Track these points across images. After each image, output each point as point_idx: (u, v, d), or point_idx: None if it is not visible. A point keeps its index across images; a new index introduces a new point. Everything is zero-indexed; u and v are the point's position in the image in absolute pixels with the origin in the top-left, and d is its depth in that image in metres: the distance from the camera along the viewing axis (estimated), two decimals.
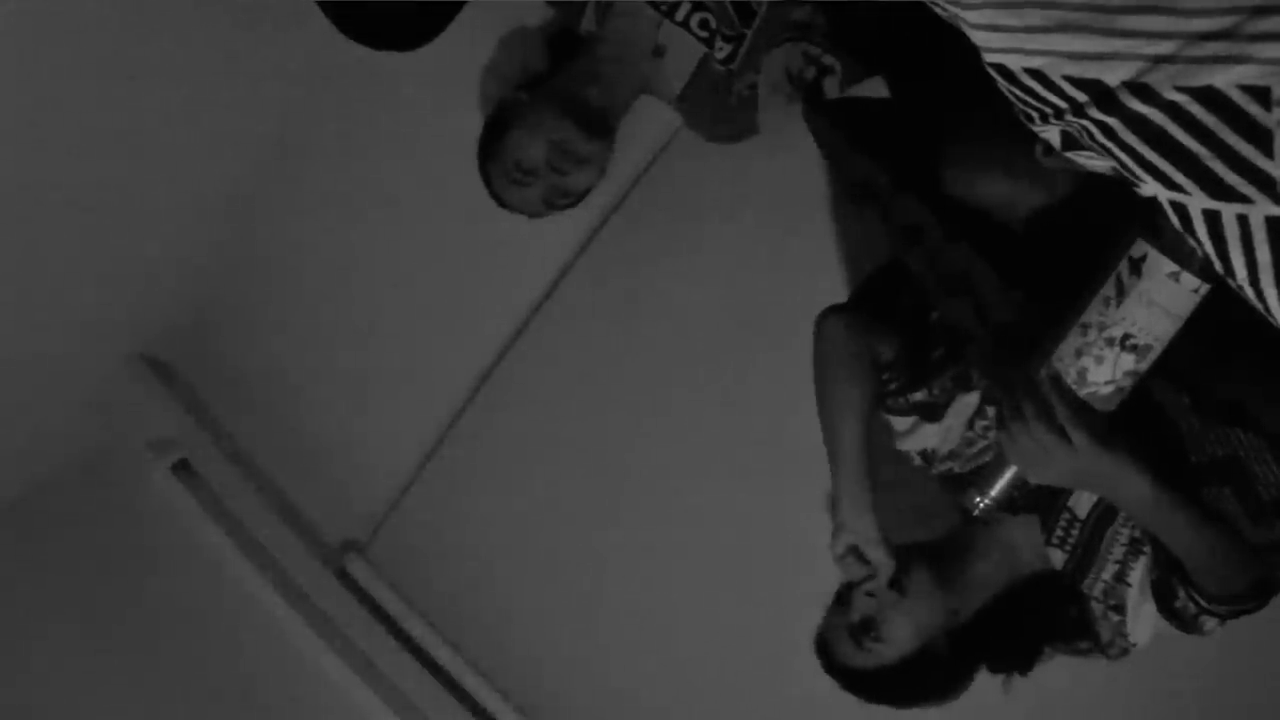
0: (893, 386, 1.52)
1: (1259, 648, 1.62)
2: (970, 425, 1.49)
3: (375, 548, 2.58)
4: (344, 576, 2.57)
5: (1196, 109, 0.81)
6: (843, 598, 1.55)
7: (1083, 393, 1.16)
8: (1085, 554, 1.46)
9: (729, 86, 1.75)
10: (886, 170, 1.45)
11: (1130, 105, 0.84)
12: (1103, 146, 0.89)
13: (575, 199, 1.86)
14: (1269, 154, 0.80)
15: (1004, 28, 0.86)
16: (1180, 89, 0.81)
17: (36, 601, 2.56)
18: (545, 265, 2.26)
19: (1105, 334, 1.13)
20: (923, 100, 1.48)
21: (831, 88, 1.58)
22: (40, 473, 2.62)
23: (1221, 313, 1.04)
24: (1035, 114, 0.93)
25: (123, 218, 2.27)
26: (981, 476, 1.29)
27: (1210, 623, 1.34)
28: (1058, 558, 1.48)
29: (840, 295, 1.95)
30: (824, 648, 1.57)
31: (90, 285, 2.36)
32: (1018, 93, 0.91)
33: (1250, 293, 0.90)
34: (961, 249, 1.39)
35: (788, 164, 1.92)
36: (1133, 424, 1.19)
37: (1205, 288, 1.08)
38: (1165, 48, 0.80)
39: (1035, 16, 0.84)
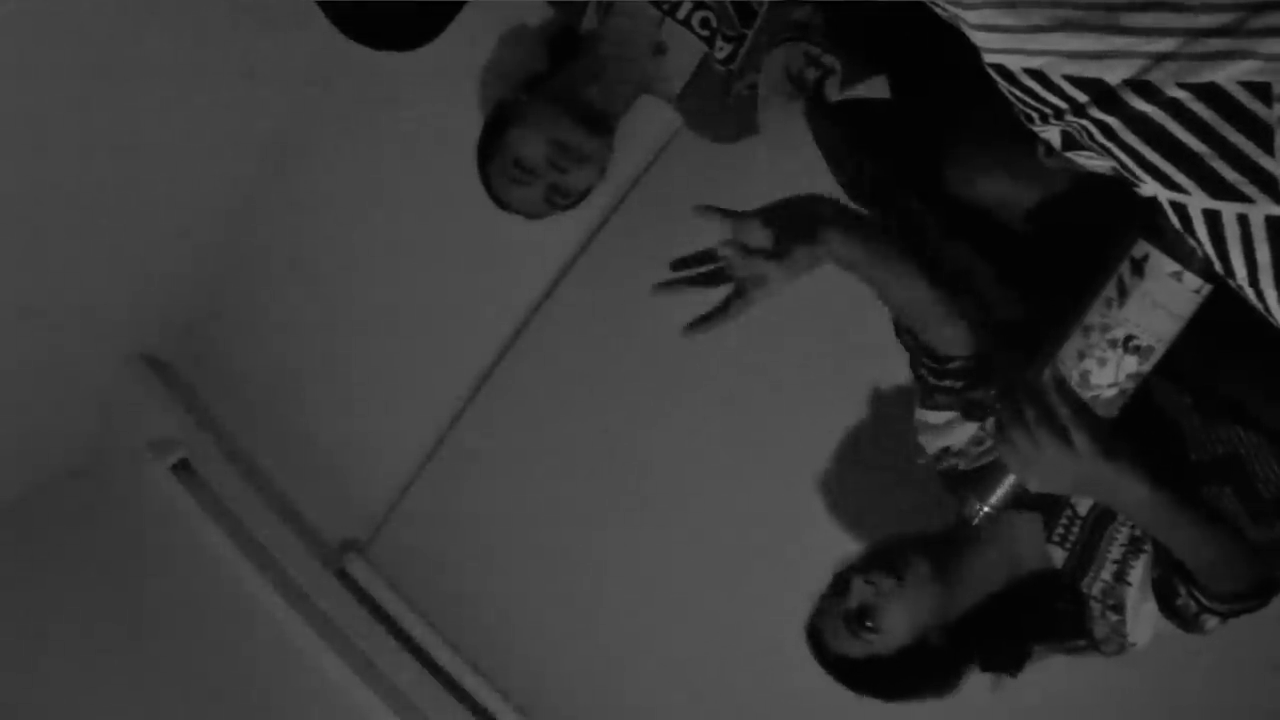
0: (959, 384, 1.49)
1: (1259, 646, 1.63)
2: (981, 424, 1.48)
3: (375, 548, 2.58)
4: (344, 576, 2.57)
5: (1198, 106, 0.81)
6: (839, 584, 1.53)
7: (1085, 396, 1.15)
8: (1085, 552, 1.45)
9: (729, 86, 1.75)
10: (887, 169, 1.44)
11: (1131, 104, 0.84)
12: (1103, 146, 0.89)
13: (575, 199, 1.86)
14: (1269, 151, 0.80)
15: (1004, 28, 0.86)
16: (1182, 86, 0.81)
17: (36, 601, 2.56)
18: (545, 265, 2.25)
19: (1108, 336, 1.12)
20: (923, 100, 1.48)
21: (832, 89, 1.58)
22: (40, 473, 2.62)
23: (1222, 312, 1.03)
24: (1035, 114, 0.92)
25: (123, 218, 2.27)
26: (980, 484, 1.27)
27: (1211, 621, 1.33)
28: (1058, 556, 1.47)
29: (840, 294, 1.96)
30: (816, 635, 1.56)
31: (90, 285, 2.36)
32: (1017, 93, 0.91)
33: (1250, 293, 0.90)
34: (962, 247, 1.38)
35: (788, 164, 1.92)
36: (1133, 423, 1.18)
37: (1207, 288, 1.08)
38: (1167, 44, 0.80)
39: (1036, 15, 0.84)
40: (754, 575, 2.10)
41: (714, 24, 1.73)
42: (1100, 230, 1.15)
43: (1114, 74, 0.83)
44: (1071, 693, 1.76)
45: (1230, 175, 0.83)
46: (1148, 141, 0.85)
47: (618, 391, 2.24)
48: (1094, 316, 1.13)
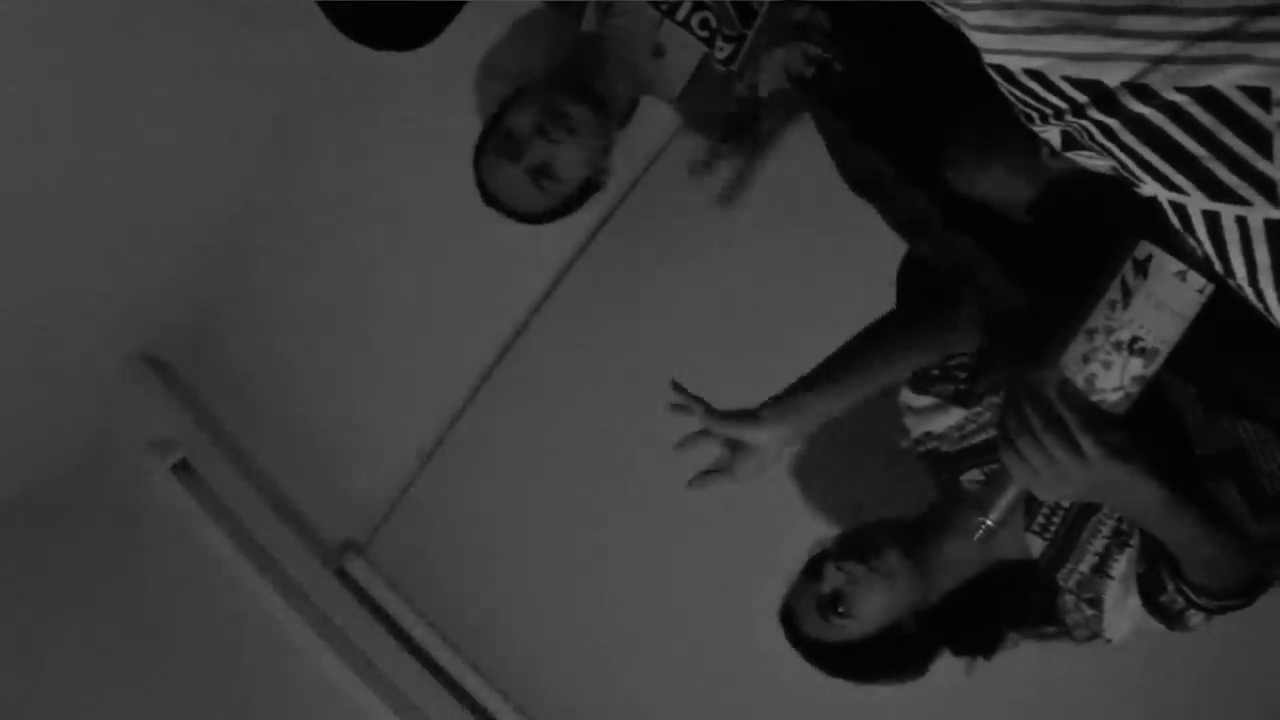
0: (962, 376, 1.48)
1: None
2: (968, 411, 1.49)
3: (375, 548, 2.58)
4: (344, 576, 2.57)
5: (1196, 110, 0.81)
6: (813, 569, 1.53)
7: (1091, 400, 1.13)
8: (1064, 544, 1.44)
9: (729, 86, 1.75)
10: (890, 162, 1.44)
11: (1130, 106, 0.84)
12: (1102, 147, 0.89)
13: (565, 187, 1.79)
14: (1268, 156, 0.80)
15: (1003, 29, 0.86)
16: (1180, 89, 0.81)
17: (37, 601, 2.56)
18: (545, 266, 2.25)
19: (1112, 338, 1.10)
20: (923, 99, 1.48)
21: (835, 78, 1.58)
22: (40, 473, 2.62)
23: (1226, 309, 1.03)
24: (1035, 114, 0.92)
25: (123, 218, 2.27)
26: (982, 497, 1.24)
27: (1196, 618, 1.32)
28: (1036, 545, 1.46)
29: (839, 295, 1.96)
30: (789, 617, 1.56)
31: (90, 285, 2.36)
32: (1017, 93, 0.91)
33: (1250, 293, 0.90)
34: (964, 240, 1.38)
35: (788, 164, 1.92)
36: (1138, 417, 1.17)
37: (1210, 287, 1.07)
38: (1165, 48, 0.80)
39: (1035, 18, 0.84)
40: (755, 575, 2.10)
41: (713, 24, 1.73)
42: (1102, 224, 1.14)
43: (1112, 76, 0.83)
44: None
45: (1229, 179, 0.83)
46: (1147, 143, 0.85)
47: (617, 392, 2.24)
48: (1098, 319, 1.11)
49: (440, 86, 2.11)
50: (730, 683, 2.20)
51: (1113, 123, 0.86)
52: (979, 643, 1.51)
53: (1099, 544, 1.41)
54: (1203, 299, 1.08)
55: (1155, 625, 1.37)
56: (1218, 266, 0.90)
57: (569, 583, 2.34)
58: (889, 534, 1.50)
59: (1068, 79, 0.86)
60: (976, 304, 1.42)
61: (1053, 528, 1.44)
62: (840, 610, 1.46)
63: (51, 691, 2.48)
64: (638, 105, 1.91)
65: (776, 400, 1.45)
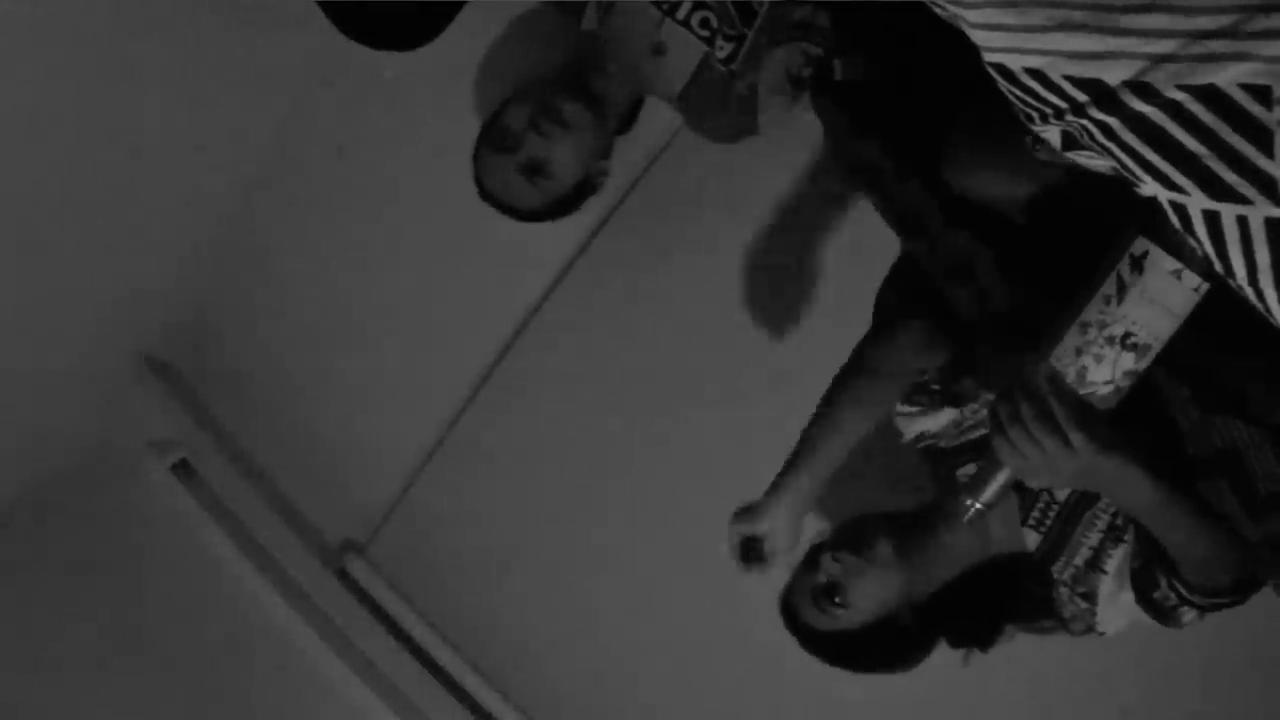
0: (935, 387, 1.50)
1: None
2: (960, 410, 1.49)
3: (375, 548, 2.58)
4: (344, 576, 2.57)
5: (1197, 108, 0.81)
6: (810, 560, 1.55)
7: (1081, 392, 1.15)
8: (1059, 538, 1.45)
9: (729, 86, 1.75)
10: (890, 156, 1.45)
11: (1130, 104, 0.84)
12: (1103, 146, 0.89)
13: (557, 184, 1.78)
14: (1269, 154, 0.80)
15: (1004, 27, 0.86)
16: (1181, 87, 0.81)
17: (36, 601, 2.56)
18: (545, 265, 2.26)
19: (1105, 332, 1.12)
20: (923, 98, 1.48)
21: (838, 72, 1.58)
22: (40, 473, 2.62)
23: (1223, 308, 1.03)
24: (1035, 114, 0.92)
25: (123, 218, 2.27)
26: (972, 481, 1.27)
27: (1189, 615, 1.33)
28: (1032, 539, 1.48)
29: (839, 294, 1.96)
30: (788, 607, 1.58)
31: (90, 285, 2.36)
32: (1017, 92, 0.91)
33: (1250, 292, 0.90)
34: (962, 236, 1.39)
35: (788, 164, 1.92)
36: (1131, 416, 1.18)
37: (1205, 286, 1.08)
38: (1166, 46, 0.80)
39: (1036, 15, 0.84)
40: (754, 575, 2.10)
41: (714, 24, 1.73)
42: (1099, 221, 1.15)
43: (1113, 75, 0.83)
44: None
45: (1230, 177, 0.83)
46: (1147, 142, 0.85)
47: (617, 391, 2.24)
48: (1092, 313, 1.13)
49: (440, 86, 2.11)
50: (731, 682, 2.20)
51: (1113, 122, 0.86)
52: (976, 635, 1.53)
53: (1094, 538, 1.42)
54: (1197, 297, 1.09)
55: (1148, 620, 1.38)
56: (1217, 266, 0.91)
57: (569, 582, 2.34)
58: (883, 525, 1.51)
59: (1068, 78, 0.86)
60: (969, 304, 1.42)
61: (1048, 522, 1.45)
62: (836, 600, 1.48)
63: (51, 691, 2.48)
64: (640, 108, 1.91)
65: (773, 488, 1.52)
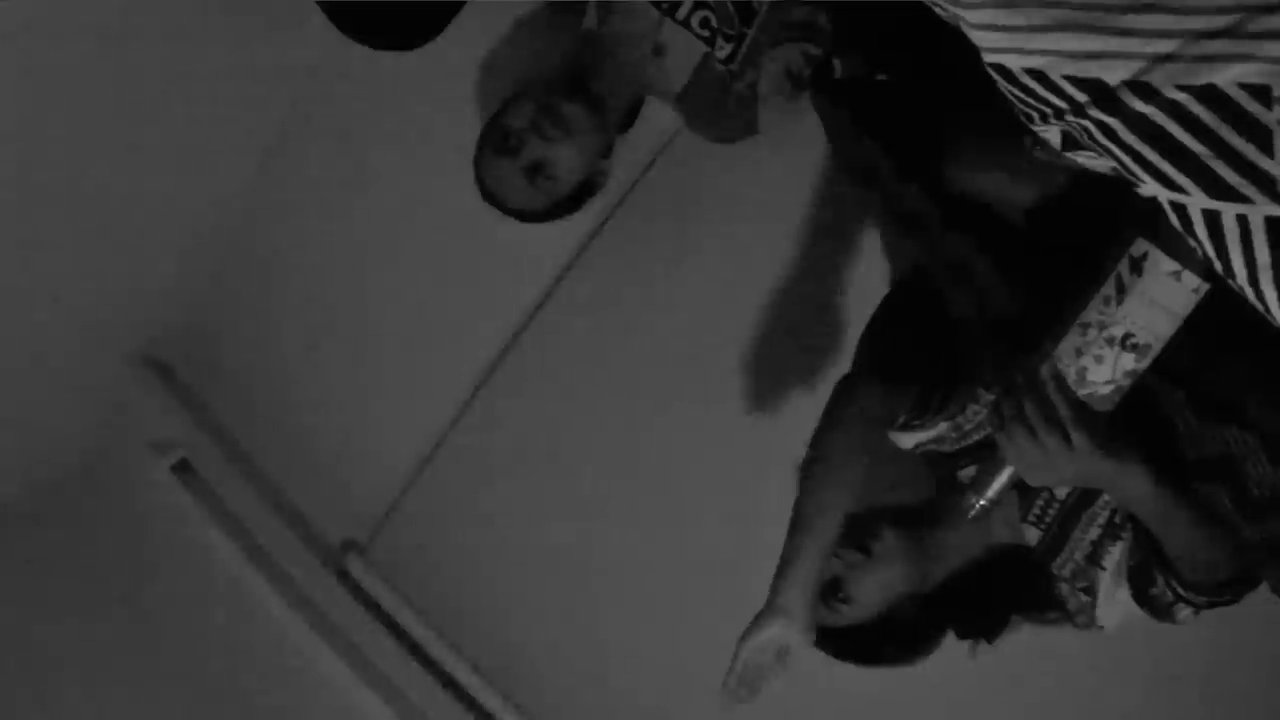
0: (914, 424, 1.51)
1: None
2: (953, 419, 1.50)
3: (375, 548, 2.58)
4: (344, 576, 2.57)
5: (1197, 108, 0.81)
6: None
7: (1082, 392, 1.16)
8: (1059, 534, 1.46)
9: (729, 86, 1.75)
10: (890, 156, 1.45)
11: (1131, 105, 0.84)
12: (1103, 146, 0.89)
13: (561, 185, 1.78)
14: (1269, 153, 0.80)
15: (1004, 27, 0.86)
16: (1181, 88, 0.81)
17: (36, 601, 2.56)
18: (545, 266, 2.26)
19: (1105, 333, 1.13)
20: (923, 98, 1.48)
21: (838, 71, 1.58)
22: (40, 473, 2.62)
23: (1220, 311, 1.04)
24: (1035, 114, 0.92)
25: (123, 218, 2.27)
26: (976, 478, 1.29)
27: (1185, 612, 1.35)
28: (1032, 535, 1.49)
29: (839, 294, 1.96)
30: None
31: (90, 285, 2.36)
32: (1017, 93, 0.91)
33: (1250, 293, 0.90)
34: (962, 237, 1.40)
35: (788, 164, 1.92)
36: (1129, 420, 1.19)
37: (1205, 287, 1.09)
38: (1166, 46, 0.80)
39: (1036, 15, 0.84)
40: (756, 573, 2.10)
41: (714, 24, 1.73)
42: (1098, 223, 1.16)
43: (1113, 75, 0.83)
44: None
45: (1230, 176, 0.83)
46: (1147, 141, 0.85)
47: (617, 391, 2.24)
48: (1092, 314, 1.14)
49: (440, 86, 2.11)
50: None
51: (1113, 122, 0.86)
52: (983, 626, 1.54)
53: (1093, 533, 1.43)
54: (1197, 298, 1.10)
55: (1145, 616, 1.39)
56: (1217, 266, 0.91)
57: (569, 582, 2.34)
58: (884, 521, 1.52)
59: (1068, 78, 0.86)
60: (968, 304, 1.43)
61: (1048, 518, 1.47)
62: (840, 596, 1.49)
63: (51, 691, 2.48)
64: (640, 108, 1.91)
65: (777, 583, 1.46)
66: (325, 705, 2.48)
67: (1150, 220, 1.02)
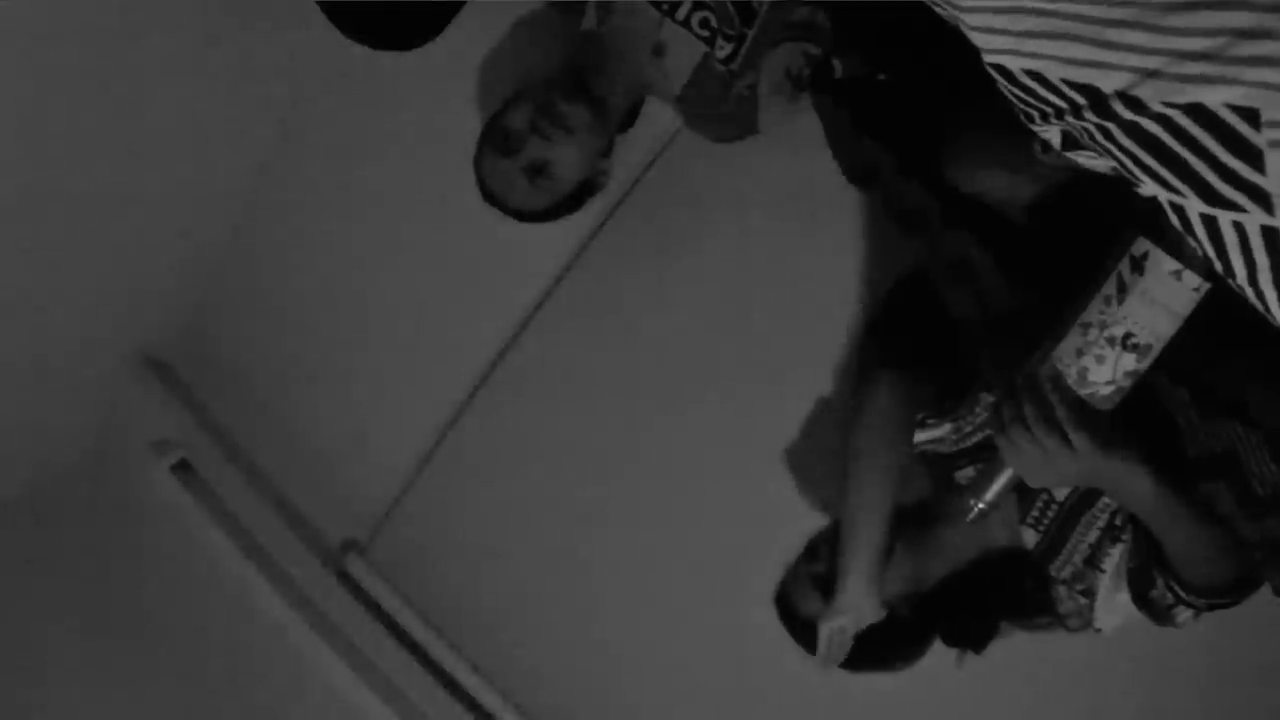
0: (930, 423, 1.52)
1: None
2: (953, 423, 1.50)
3: (375, 548, 2.58)
4: (344, 576, 2.57)
5: (1186, 122, 0.81)
6: (811, 550, 1.56)
7: (1083, 393, 1.15)
8: (1058, 537, 1.46)
9: (729, 86, 1.75)
10: (891, 155, 1.45)
11: (1124, 114, 0.84)
12: (1102, 147, 0.89)
13: (561, 185, 1.79)
14: (1261, 171, 0.80)
15: (1001, 30, 0.86)
16: (1168, 104, 0.81)
17: (36, 601, 2.56)
18: (545, 265, 2.25)
19: (1106, 333, 1.12)
20: (923, 97, 1.48)
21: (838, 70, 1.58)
22: (40, 473, 2.62)
23: (1221, 310, 1.03)
24: (1035, 114, 0.92)
25: (123, 218, 2.27)
26: (976, 480, 1.28)
27: (1184, 614, 1.34)
28: (1030, 537, 1.48)
29: (840, 294, 1.96)
30: (784, 599, 1.59)
31: (90, 285, 2.36)
32: (1017, 92, 0.91)
33: (1250, 292, 0.90)
34: (962, 236, 1.39)
35: (788, 164, 1.92)
36: (1130, 418, 1.19)
37: (1206, 286, 1.08)
38: (1153, 62, 0.80)
39: (1030, 22, 0.84)
40: (755, 574, 2.10)
41: (714, 24, 1.73)
42: (1098, 225, 1.15)
43: (1107, 84, 0.83)
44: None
45: (1223, 189, 0.83)
46: (1143, 147, 0.85)
47: (618, 391, 2.24)
48: (1093, 314, 1.13)
49: (440, 86, 2.11)
50: (731, 682, 2.20)
51: (1110, 126, 0.86)
52: (971, 634, 1.53)
53: (1092, 535, 1.42)
54: (1198, 297, 1.10)
55: (1144, 619, 1.39)
56: (1218, 266, 0.91)
57: (569, 582, 2.34)
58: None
59: (1065, 81, 0.86)
60: (968, 304, 1.43)
61: (1046, 521, 1.46)
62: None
63: (51, 691, 2.48)
64: (640, 108, 1.91)
65: (839, 590, 1.56)
66: (325, 705, 2.48)
67: (1151, 220, 1.02)
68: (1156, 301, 1.10)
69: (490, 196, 1.83)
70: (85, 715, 2.51)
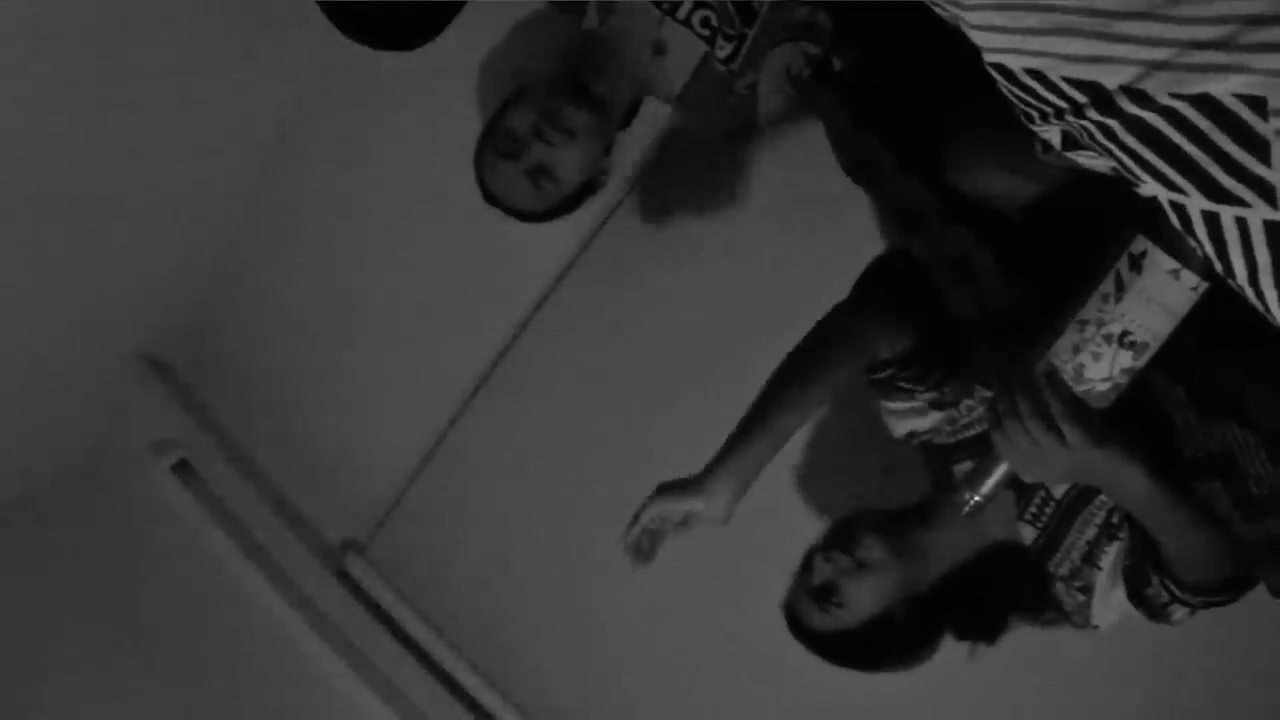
0: (903, 383, 1.51)
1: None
2: (949, 412, 1.50)
3: (375, 548, 2.58)
4: (344, 576, 2.57)
5: (1192, 114, 0.81)
6: (807, 562, 1.56)
7: (1079, 389, 1.15)
8: (1055, 533, 1.46)
9: (729, 86, 1.75)
10: (891, 152, 1.45)
11: (1127, 109, 0.84)
12: (1103, 146, 0.89)
13: (563, 188, 1.79)
14: (1266, 162, 0.80)
15: (1003, 28, 0.86)
16: (1176, 95, 0.81)
17: (37, 601, 2.56)
18: (545, 265, 2.26)
19: (1103, 330, 1.13)
20: (923, 96, 1.48)
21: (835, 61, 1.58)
22: (40, 473, 2.62)
23: (1220, 309, 1.04)
24: (1035, 113, 0.93)
25: (123, 218, 2.27)
26: (972, 474, 1.28)
27: (1180, 613, 1.34)
28: (1028, 534, 1.48)
29: (840, 294, 1.96)
30: (792, 611, 1.58)
31: (90, 285, 2.36)
32: (1018, 92, 0.91)
33: (1250, 292, 0.90)
34: (961, 234, 1.39)
35: (788, 164, 1.92)
36: (1127, 417, 1.19)
37: (1204, 285, 1.08)
38: (1161, 54, 0.80)
39: (1032, 19, 0.84)
40: (754, 574, 2.10)
41: (714, 23, 1.73)
42: (1098, 221, 1.15)
43: (1111, 79, 0.83)
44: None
45: (1227, 182, 0.83)
46: (1146, 143, 0.85)
47: (617, 391, 2.24)
48: (1090, 311, 1.14)
49: (440, 86, 2.11)
50: (732, 682, 2.20)
51: (1112, 123, 0.86)
52: (982, 628, 1.53)
53: (1090, 533, 1.42)
54: (1196, 297, 1.10)
55: (1140, 616, 1.39)
56: (1217, 266, 0.91)
57: (569, 582, 2.34)
58: (872, 523, 1.52)
59: (1066, 79, 0.86)
60: (967, 301, 1.43)
61: (1044, 517, 1.46)
62: (834, 600, 1.49)
63: (51, 691, 2.49)
64: (640, 106, 1.91)
65: (716, 463, 1.45)
66: (325, 705, 2.48)
67: (1150, 219, 1.02)
68: (1154, 300, 1.10)
69: (491, 198, 1.84)
70: (85, 715, 2.51)
